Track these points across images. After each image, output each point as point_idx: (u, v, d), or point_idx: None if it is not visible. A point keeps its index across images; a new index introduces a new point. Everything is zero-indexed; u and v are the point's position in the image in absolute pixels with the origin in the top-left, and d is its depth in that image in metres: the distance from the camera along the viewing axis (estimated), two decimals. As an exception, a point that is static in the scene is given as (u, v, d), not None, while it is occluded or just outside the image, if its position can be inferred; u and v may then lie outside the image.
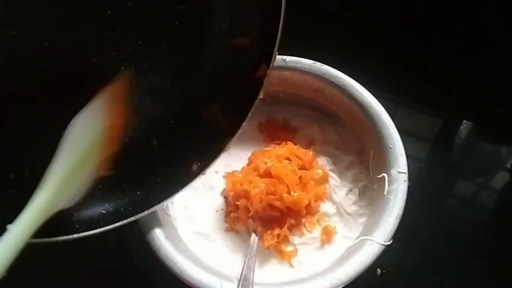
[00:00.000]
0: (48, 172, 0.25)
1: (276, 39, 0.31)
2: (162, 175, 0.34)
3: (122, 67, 0.30)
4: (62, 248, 0.44)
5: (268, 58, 0.32)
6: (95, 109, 0.27)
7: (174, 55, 0.33)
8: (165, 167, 0.34)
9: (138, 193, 0.34)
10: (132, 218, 0.33)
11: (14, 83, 0.27)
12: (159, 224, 0.36)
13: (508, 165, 0.52)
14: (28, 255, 0.46)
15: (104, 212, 0.33)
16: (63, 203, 0.26)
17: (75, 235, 0.30)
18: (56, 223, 0.27)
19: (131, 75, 0.30)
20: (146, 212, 0.33)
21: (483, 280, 0.44)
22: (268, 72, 0.33)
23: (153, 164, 0.34)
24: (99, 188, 0.32)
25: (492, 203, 0.50)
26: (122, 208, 0.33)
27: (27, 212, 0.23)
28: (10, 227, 0.23)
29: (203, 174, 0.34)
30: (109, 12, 0.28)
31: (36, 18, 0.26)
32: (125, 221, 0.32)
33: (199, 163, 0.34)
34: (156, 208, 0.34)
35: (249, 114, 0.34)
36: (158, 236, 0.35)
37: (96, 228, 0.31)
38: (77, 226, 0.31)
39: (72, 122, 0.26)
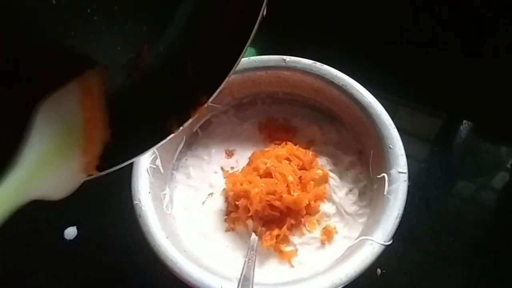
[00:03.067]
0: (21, 153, 0.24)
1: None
2: (135, 129, 0.32)
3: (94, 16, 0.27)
4: (62, 248, 0.45)
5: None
6: (66, 96, 0.26)
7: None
8: (139, 121, 0.32)
9: (109, 146, 0.31)
10: (103, 173, 0.30)
11: None
12: (159, 224, 0.36)
13: (508, 165, 0.52)
14: (27, 255, 0.46)
15: None
16: (41, 189, 0.25)
17: None
18: None
19: (102, 71, 0.28)
20: (116, 167, 0.31)
21: (483, 280, 0.44)
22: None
23: (125, 118, 0.32)
24: None
25: (492, 203, 0.50)
26: None
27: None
28: None
29: (178, 131, 0.32)
30: None
31: None
32: (94, 175, 0.30)
33: (175, 120, 0.32)
34: (126, 163, 0.31)
35: (231, 71, 0.31)
36: (158, 236, 0.34)
37: None
38: None
39: (40, 105, 0.25)
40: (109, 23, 0.29)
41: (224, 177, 0.44)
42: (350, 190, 0.43)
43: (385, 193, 0.36)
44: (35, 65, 0.26)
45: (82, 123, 0.27)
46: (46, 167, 0.25)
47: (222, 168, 0.46)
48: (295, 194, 0.39)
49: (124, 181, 0.38)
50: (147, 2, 0.30)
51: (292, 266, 0.38)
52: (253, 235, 0.39)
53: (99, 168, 0.29)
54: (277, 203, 0.39)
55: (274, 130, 0.48)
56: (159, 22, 0.32)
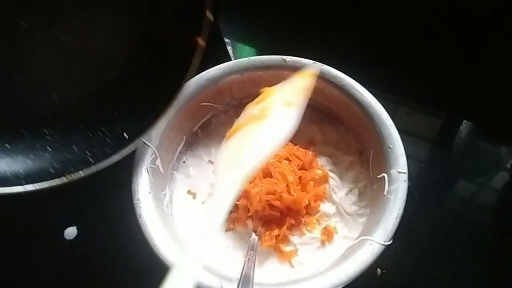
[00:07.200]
0: None
1: None
2: (110, 136, 0.35)
3: (55, 31, 0.31)
4: (62, 248, 0.45)
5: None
6: None
7: (108, 16, 0.33)
8: (114, 127, 0.35)
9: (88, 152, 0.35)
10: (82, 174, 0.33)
11: None
12: (159, 224, 0.36)
13: (508, 165, 0.52)
14: (27, 255, 0.46)
15: (52, 171, 0.34)
16: None
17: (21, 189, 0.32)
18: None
19: None
20: (93, 170, 0.34)
21: (483, 280, 0.44)
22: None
23: (101, 124, 0.35)
24: (47, 150, 0.34)
25: (492, 203, 0.50)
26: (71, 167, 0.34)
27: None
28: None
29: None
30: None
31: None
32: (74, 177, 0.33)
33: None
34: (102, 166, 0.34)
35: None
36: (158, 236, 0.35)
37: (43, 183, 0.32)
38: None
39: None
40: None
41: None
42: (350, 190, 0.43)
43: (385, 193, 0.36)
44: None
45: None
46: None
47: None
48: (295, 194, 0.39)
49: (124, 181, 0.38)
50: None
51: (292, 266, 0.38)
52: (253, 235, 0.39)
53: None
54: (277, 203, 0.39)
55: (274, 130, 0.47)
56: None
